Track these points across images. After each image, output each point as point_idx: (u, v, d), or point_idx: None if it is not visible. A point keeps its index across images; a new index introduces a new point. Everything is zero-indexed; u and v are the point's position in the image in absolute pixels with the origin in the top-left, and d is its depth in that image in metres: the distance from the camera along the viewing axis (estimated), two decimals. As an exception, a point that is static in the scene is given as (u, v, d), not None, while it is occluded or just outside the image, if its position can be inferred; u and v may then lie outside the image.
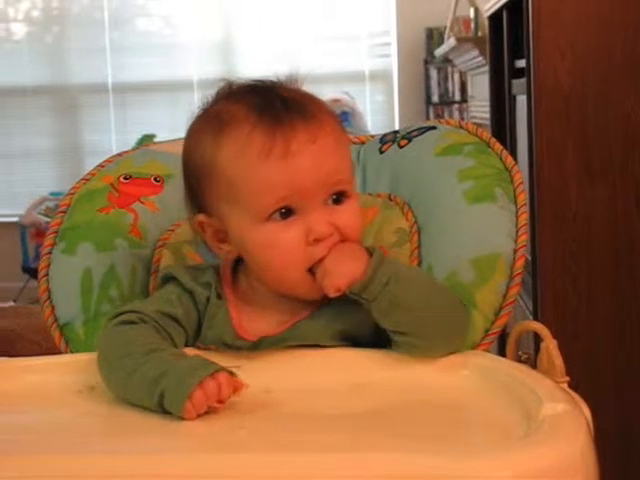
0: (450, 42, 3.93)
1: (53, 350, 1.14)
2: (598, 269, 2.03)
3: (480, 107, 3.63)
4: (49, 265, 1.18)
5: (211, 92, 1.07)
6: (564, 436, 0.76)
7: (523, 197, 1.14)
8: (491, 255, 1.10)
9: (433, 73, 5.45)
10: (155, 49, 5.70)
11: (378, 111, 5.68)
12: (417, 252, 1.13)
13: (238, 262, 1.09)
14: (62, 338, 1.15)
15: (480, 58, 3.50)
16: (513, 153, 2.48)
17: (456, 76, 5.35)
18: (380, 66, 5.66)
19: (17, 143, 5.78)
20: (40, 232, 4.93)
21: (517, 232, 1.12)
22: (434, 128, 1.24)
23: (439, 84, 5.45)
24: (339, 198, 1.02)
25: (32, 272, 4.89)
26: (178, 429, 0.88)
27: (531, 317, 2.17)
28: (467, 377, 0.96)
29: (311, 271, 1.00)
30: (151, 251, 1.20)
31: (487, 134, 1.21)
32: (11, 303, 3.87)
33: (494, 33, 2.88)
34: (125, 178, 1.25)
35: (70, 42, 5.72)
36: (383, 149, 1.26)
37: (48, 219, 4.80)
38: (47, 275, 1.18)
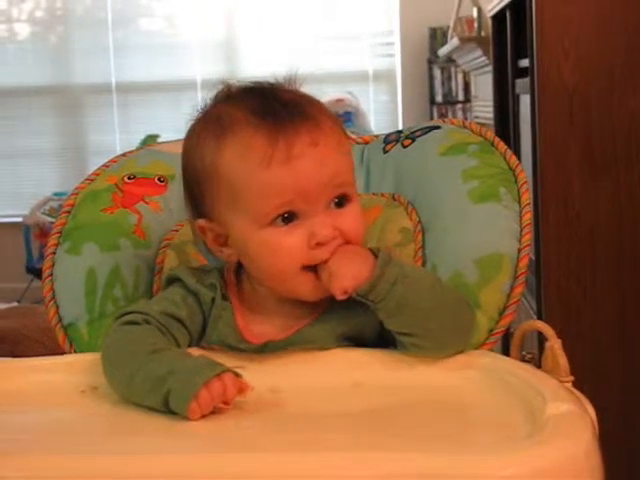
0: (453, 42, 3.93)
1: (57, 350, 1.14)
2: (602, 268, 2.03)
3: (484, 107, 3.63)
4: (53, 265, 1.19)
5: (210, 95, 1.06)
6: (569, 436, 0.76)
7: (527, 196, 1.14)
8: (495, 255, 1.09)
9: (437, 73, 5.45)
10: (158, 49, 5.71)
11: (381, 111, 5.67)
12: (421, 252, 1.13)
13: (241, 265, 1.08)
14: (66, 338, 1.15)
15: (483, 58, 3.51)
16: (517, 152, 2.48)
17: (459, 76, 5.35)
18: (383, 66, 5.66)
19: (21, 143, 5.78)
20: (44, 232, 4.93)
21: (521, 231, 1.11)
22: (438, 128, 1.24)
23: (443, 84, 5.44)
24: (341, 201, 1.01)
25: (36, 272, 4.89)
26: (183, 429, 0.88)
27: (535, 317, 2.16)
28: (471, 377, 0.96)
29: (314, 271, 1.00)
30: (155, 251, 1.20)
31: (491, 133, 1.21)
32: (15, 303, 3.87)
33: (497, 33, 2.88)
34: (129, 178, 1.26)
35: (73, 42, 5.73)
36: (387, 149, 1.26)
37: (52, 219, 4.80)
38: (51, 275, 1.18)
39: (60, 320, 1.16)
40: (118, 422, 0.94)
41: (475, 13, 3.96)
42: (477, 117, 3.99)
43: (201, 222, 1.06)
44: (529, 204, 1.14)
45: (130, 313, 1.03)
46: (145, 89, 5.73)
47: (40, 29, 5.80)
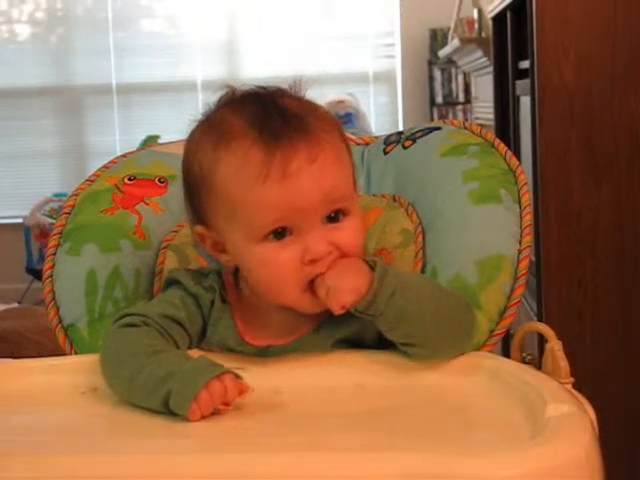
0: (454, 43, 3.93)
1: (57, 351, 1.14)
2: (603, 270, 2.03)
3: (484, 108, 3.63)
4: (53, 266, 1.19)
5: (214, 98, 1.06)
6: (569, 437, 0.76)
7: (527, 197, 1.14)
8: (496, 256, 1.09)
9: (437, 74, 5.45)
10: (159, 50, 5.71)
11: (382, 112, 5.68)
12: (422, 253, 1.13)
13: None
14: (66, 339, 1.15)
15: (484, 59, 3.51)
16: (517, 154, 2.48)
17: (460, 77, 5.35)
18: (384, 67, 5.66)
19: (21, 144, 5.78)
20: (44, 233, 4.93)
21: (522, 233, 1.11)
22: (438, 129, 1.24)
23: (443, 85, 5.45)
24: (337, 216, 1.00)
25: (36, 273, 4.89)
26: (183, 430, 0.88)
27: (535, 318, 2.16)
28: (472, 378, 0.96)
29: (310, 286, 0.98)
30: (155, 252, 1.20)
31: (491, 135, 1.21)
32: (15, 304, 3.87)
33: (498, 34, 2.88)
34: (129, 179, 1.26)
35: (74, 43, 5.73)
36: (387, 150, 1.26)
37: (52, 220, 4.80)
38: (51, 276, 1.18)
39: (60, 321, 1.16)
40: (118, 423, 0.94)
41: (475, 14, 3.97)
42: (477, 118, 3.99)
43: (199, 229, 1.06)
44: (529, 205, 1.14)
45: (129, 315, 1.03)
46: (146, 90, 5.73)
47: (41, 30, 5.80)
